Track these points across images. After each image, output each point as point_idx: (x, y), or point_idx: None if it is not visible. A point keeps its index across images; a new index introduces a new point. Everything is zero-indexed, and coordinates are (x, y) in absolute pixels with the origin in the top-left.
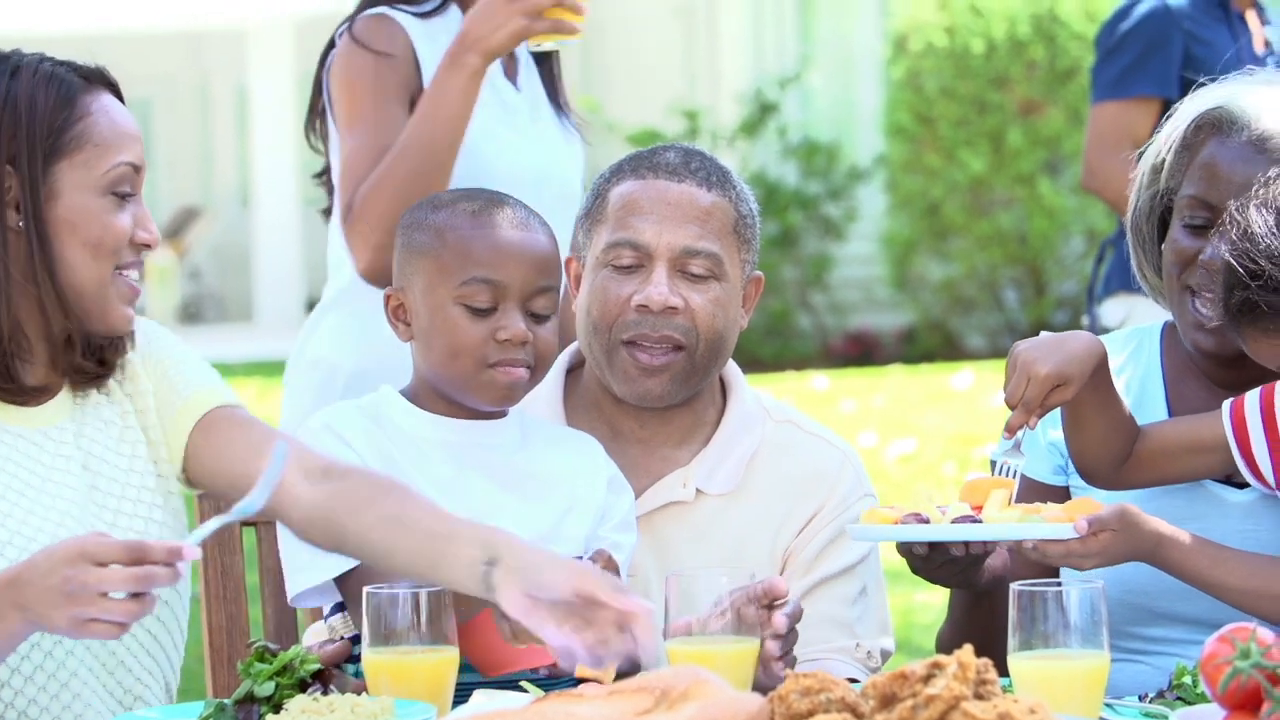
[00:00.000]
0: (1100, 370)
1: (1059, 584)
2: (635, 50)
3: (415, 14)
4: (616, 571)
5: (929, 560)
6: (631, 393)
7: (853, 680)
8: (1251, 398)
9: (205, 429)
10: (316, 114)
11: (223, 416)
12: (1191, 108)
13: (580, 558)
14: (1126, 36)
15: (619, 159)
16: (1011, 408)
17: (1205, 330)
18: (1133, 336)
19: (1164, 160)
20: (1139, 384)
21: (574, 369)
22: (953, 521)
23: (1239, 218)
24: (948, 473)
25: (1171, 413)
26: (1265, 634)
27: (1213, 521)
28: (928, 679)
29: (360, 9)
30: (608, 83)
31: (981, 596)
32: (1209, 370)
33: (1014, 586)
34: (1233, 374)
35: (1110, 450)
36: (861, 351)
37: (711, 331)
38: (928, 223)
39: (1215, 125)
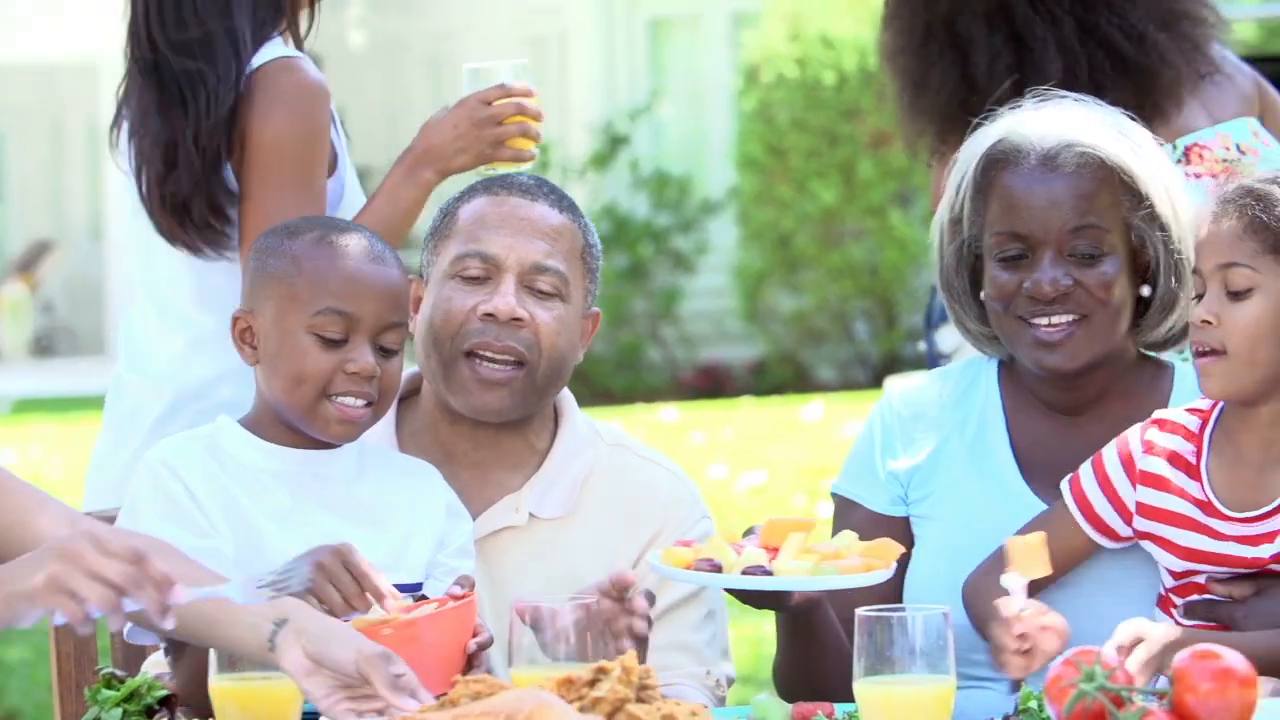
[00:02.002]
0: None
1: (902, 609)
2: None
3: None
4: (471, 586)
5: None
6: (469, 405)
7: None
8: (1085, 468)
9: None
10: (237, 152)
11: None
12: (973, 150)
13: (419, 585)
14: None
15: (470, 183)
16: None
17: (1050, 347)
18: (969, 370)
19: (961, 210)
20: (978, 417)
21: (407, 396)
22: (743, 572)
23: (1248, 187)
24: (798, 504)
25: (1013, 442)
26: (1109, 657)
27: (1083, 571)
28: (593, 683)
29: (252, 38)
30: None
31: (798, 616)
32: (1047, 397)
33: (859, 612)
34: (1070, 397)
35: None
36: (712, 384)
37: (554, 350)
38: (779, 255)
39: (1003, 159)
